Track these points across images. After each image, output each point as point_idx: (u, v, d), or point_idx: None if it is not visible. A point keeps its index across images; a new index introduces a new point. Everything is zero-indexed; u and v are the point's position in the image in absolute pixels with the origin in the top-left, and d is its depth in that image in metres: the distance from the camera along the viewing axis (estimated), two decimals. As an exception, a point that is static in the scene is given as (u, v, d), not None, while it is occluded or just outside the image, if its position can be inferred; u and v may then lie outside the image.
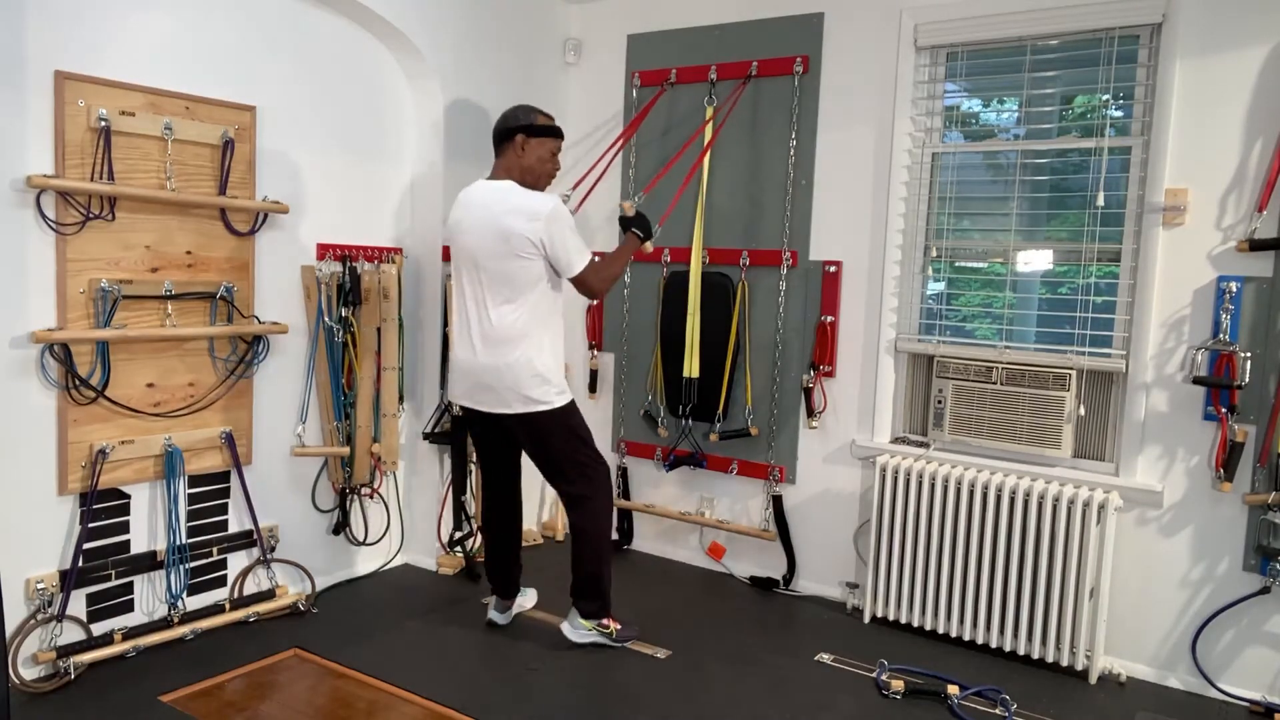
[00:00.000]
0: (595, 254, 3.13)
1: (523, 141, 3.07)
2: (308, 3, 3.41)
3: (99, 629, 2.92)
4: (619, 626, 3.22)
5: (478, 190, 3.10)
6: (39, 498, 2.78)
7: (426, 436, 3.91)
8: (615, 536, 4.30)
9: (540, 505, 4.48)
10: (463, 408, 3.25)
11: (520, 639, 3.30)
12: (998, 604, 3.26)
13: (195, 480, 3.18)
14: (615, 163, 4.32)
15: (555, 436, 3.11)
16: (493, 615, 3.39)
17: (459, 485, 3.91)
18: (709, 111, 3.98)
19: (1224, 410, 2.98)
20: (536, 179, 3.12)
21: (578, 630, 3.20)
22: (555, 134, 3.16)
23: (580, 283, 3.05)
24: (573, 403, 3.14)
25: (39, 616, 2.77)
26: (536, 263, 2.98)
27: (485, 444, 3.32)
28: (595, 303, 4.32)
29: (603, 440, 4.35)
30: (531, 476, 3.45)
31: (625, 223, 3.28)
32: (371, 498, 3.77)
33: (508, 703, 2.83)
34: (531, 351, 3.01)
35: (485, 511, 3.42)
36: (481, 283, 3.02)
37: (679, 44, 4.11)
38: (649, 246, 3.29)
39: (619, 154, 4.17)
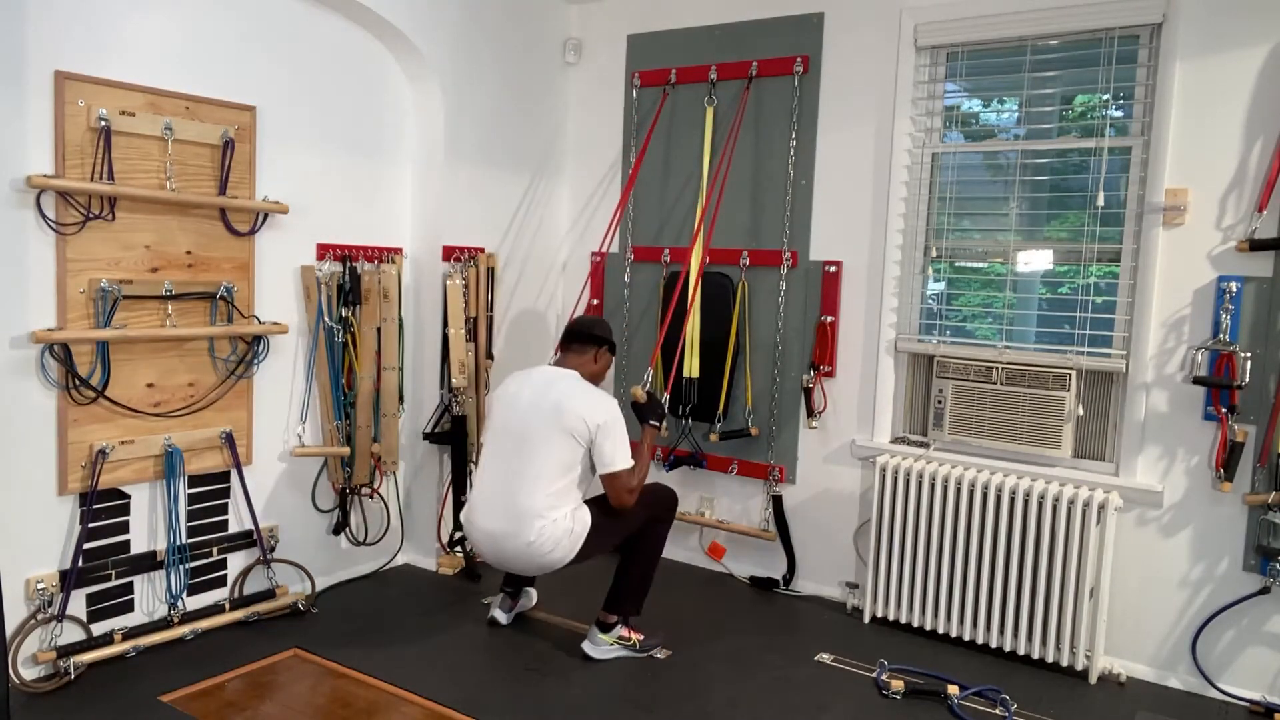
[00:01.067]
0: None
1: (603, 354, 3.27)
2: (308, 3, 3.40)
3: (99, 629, 2.92)
4: (641, 637, 3.21)
5: (543, 372, 3.19)
6: (39, 498, 2.78)
7: (426, 436, 3.91)
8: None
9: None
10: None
11: (520, 639, 3.30)
12: (998, 604, 3.26)
13: (195, 480, 3.18)
14: (618, 166, 4.33)
15: (596, 534, 3.08)
16: (495, 614, 3.39)
17: (459, 485, 3.91)
18: (709, 112, 3.98)
19: (1224, 410, 2.98)
20: (597, 380, 3.25)
21: (599, 647, 3.16)
22: (615, 352, 3.42)
23: (612, 480, 3.05)
24: (586, 508, 3.09)
25: (39, 616, 2.77)
26: (580, 449, 3.01)
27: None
28: (595, 302, 4.33)
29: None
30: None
31: (639, 411, 3.27)
32: (371, 498, 3.77)
33: (508, 703, 2.83)
34: (563, 520, 3.00)
35: None
36: (524, 458, 3.02)
37: (679, 44, 4.11)
38: (664, 428, 3.34)
39: (627, 194, 4.17)
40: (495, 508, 3.05)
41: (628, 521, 3.13)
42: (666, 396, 3.62)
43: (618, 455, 3.03)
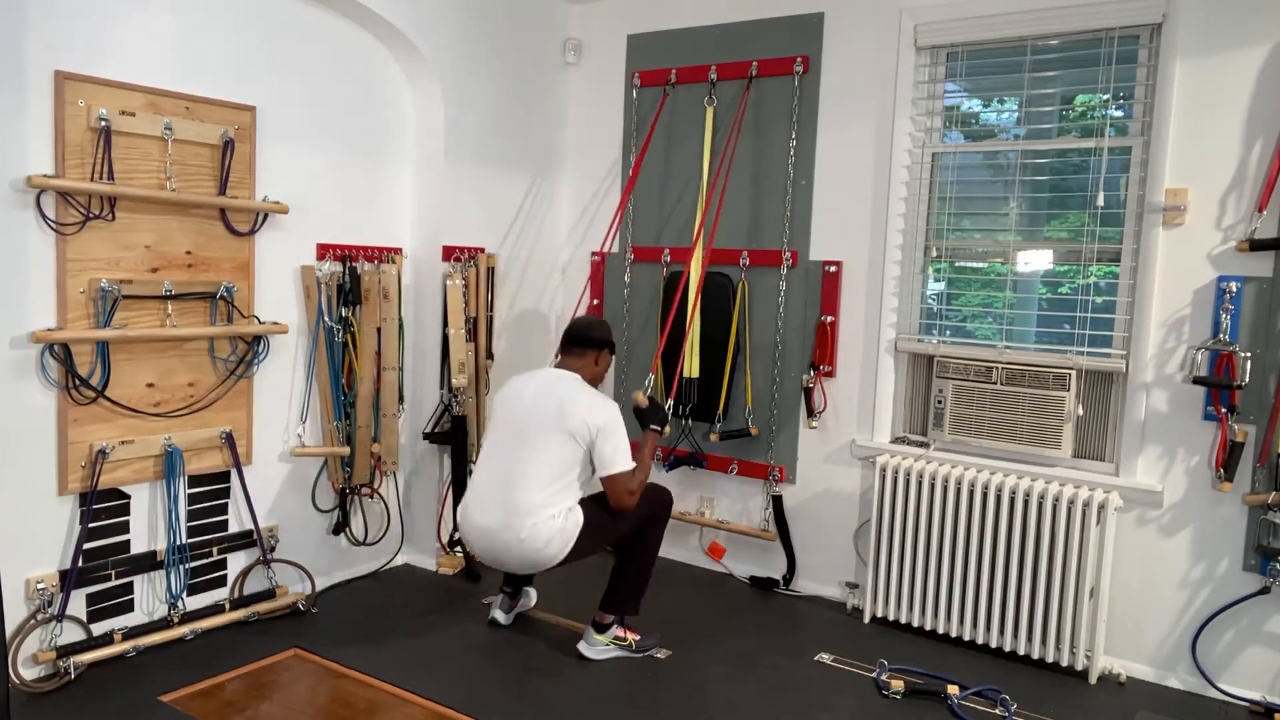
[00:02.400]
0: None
1: (603, 356, 3.30)
2: (308, 3, 3.40)
3: (99, 629, 2.92)
4: (638, 637, 3.20)
5: (545, 373, 3.22)
6: (39, 498, 2.78)
7: (426, 436, 3.91)
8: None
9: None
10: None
11: (520, 639, 3.30)
12: (998, 604, 3.26)
13: (195, 480, 3.18)
14: (618, 167, 4.33)
15: (589, 531, 3.07)
16: (496, 614, 3.39)
17: (459, 485, 3.91)
18: (709, 112, 3.98)
19: (1224, 410, 2.98)
20: (597, 381, 3.30)
21: (595, 648, 3.15)
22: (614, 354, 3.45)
23: (612, 483, 3.05)
24: (580, 508, 3.08)
25: (39, 616, 2.77)
26: (580, 450, 3.03)
27: None
28: (595, 302, 4.33)
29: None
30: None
31: (641, 416, 3.28)
32: (371, 498, 3.77)
33: (508, 703, 2.83)
34: (559, 518, 3.00)
35: None
36: (525, 454, 3.03)
37: (679, 44, 4.11)
38: (667, 431, 3.36)
39: (627, 195, 4.17)
40: (491, 503, 3.06)
41: (622, 522, 3.14)
42: (670, 403, 3.62)
43: (618, 457, 3.03)
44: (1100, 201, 3.20)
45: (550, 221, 4.45)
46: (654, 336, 4.18)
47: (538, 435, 3.04)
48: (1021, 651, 3.23)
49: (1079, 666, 3.15)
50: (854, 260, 3.72)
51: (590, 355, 3.25)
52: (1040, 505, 3.17)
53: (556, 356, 3.32)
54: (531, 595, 3.54)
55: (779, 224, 3.87)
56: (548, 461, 3.01)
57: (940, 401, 3.51)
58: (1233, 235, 2.99)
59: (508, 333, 4.23)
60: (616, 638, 3.17)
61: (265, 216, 3.29)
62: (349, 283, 3.49)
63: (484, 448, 3.21)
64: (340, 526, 3.67)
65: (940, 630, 3.39)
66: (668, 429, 3.37)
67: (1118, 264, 3.25)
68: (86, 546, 2.88)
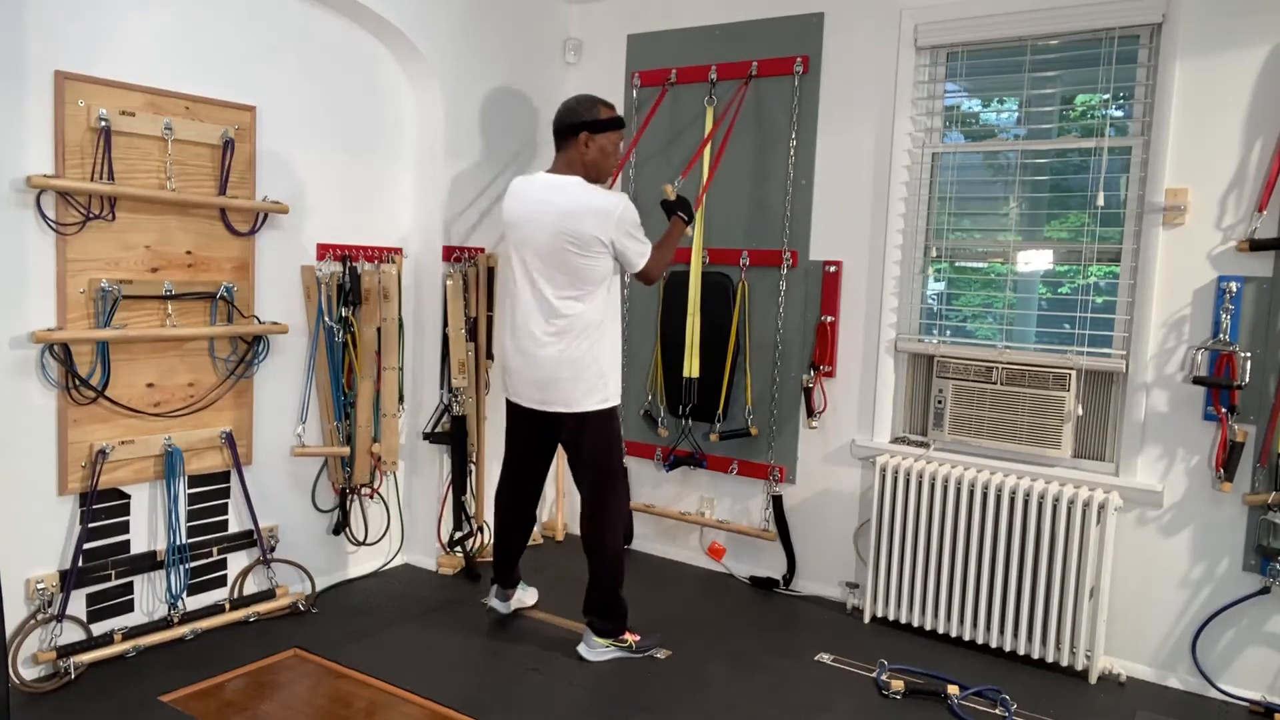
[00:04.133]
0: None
1: (586, 139, 3.01)
2: (308, 2, 3.40)
3: (99, 629, 2.92)
4: (638, 638, 3.19)
5: (538, 184, 3.03)
6: (39, 498, 2.78)
7: (426, 436, 3.91)
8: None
9: (540, 506, 4.46)
10: (509, 401, 3.22)
11: (520, 639, 3.30)
12: (998, 604, 3.26)
13: (195, 480, 3.18)
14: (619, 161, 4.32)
15: (601, 436, 3.07)
16: (493, 603, 3.37)
17: (459, 485, 3.91)
18: (710, 112, 3.98)
19: (1224, 410, 2.98)
20: (600, 174, 3.08)
21: (595, 650, 3.14)
22: (618, 125, 3.09)
23: (643, 274, 3.07)
24: (619, 406, 3.12)
25: (39, 616, 2.77)
26: (606, 260, 2.95)
27: (524, 439, 3.25)
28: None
29: (603, 440, 4.36)
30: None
31: (668, 207, 3.26)
32: (371, 498, 3.77)
33: (508, 703, 2.83)
34: (598, 348, 2.98)
35: (505, 502, 3.36)
36: (546, 278, 2.95)
37: (679, 44, 4.11)
38: (690, 230, 3.29)
39: (628, 154, 4.16)
40: (534, 331, 2.99)
41: (607, 466, 3.10)
42: (697, 210, 3.42)
43: (639, 256, 2.98)
44: (1100, 201, 3.20)
45: (550, 221, 4.44)
46: (654, 337, 4.18)
47: (558, 262, 2.91)
48: (1021, 651, 3.23)
49: (1079, 666, 3.15)
50: (854, 260, 3.72)
51: (573, 145, 3.01)
52: (1040, 505, 3.17)
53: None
54: (532, 594, 3.54)
55: (779, 224, 3.87)
56: (579, 282, 2.92)
57: (940, 401, 3.51)
58: (1233, 235, 2.99)
59: (508, 333, 4.23)
60: (618, 640, 3.17)
61: (265, 216, 3.29)
62: (349, 283, 3.49)
63: (511, 281, 3.08)
64: (340, 526, 3.67)
65: (940, 630, 3.39)
66: (690, 229, 3.27)
67: (1118, 264, 3.25)
68: (86, 546, 2.88)
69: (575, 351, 2.96)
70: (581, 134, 3.01)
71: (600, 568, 3.13)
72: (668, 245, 3.17)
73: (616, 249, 2.95)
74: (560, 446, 3.26)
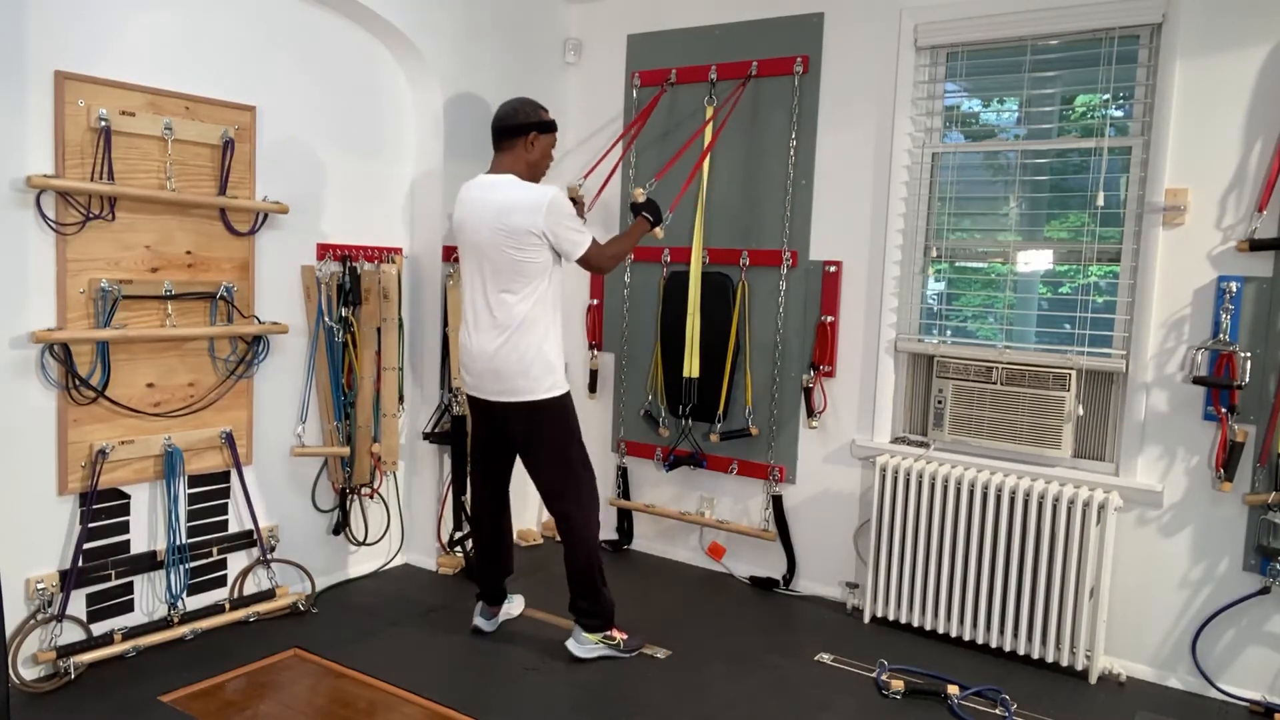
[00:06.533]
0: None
1: (534, 138, 3.10)
2: (308, 2, 3.40)
3: (99, 629, 2.92)
4: (625, 636, 3.19)
5: (477, 186, 3.10)
6: (39, 498, 2.78)
7: (426, 436, 3.91)
8: (615, 537, 4.31)
9: (540, 506, 4.47)
10: (469, 396, 3.24)
11: (519, 640, 3.30)
12: (998, 604, 3.26)
13: (195, 480, 3.18)
14: (617, 160, 4.32)
15: (559, 423, 3.09)
16: (478, 622, 3.33)
17: (459, 485, 3.91)
18: (709, 111, 3.98)
19: (1224, 410, 2.98)
20: (539, 173, 3.16)
21: (584, 646, 3.14)
22: (555, 128, 3.20)
23: (585, 262, 3.09)
24: (570, 394, 3.14)
25: (39, 616, 2.77)
26: (544, 253, 2.99)
27: (483, 441, 3.27)
28: (594, 302, 4.33)
29: (603, 440, 4.35)
30: (524, 478, 3.42)
31: (635, 208, 3.32)
32: (371, 498, 3.77)
33: (508, 703, 2.83)
34: (539, 339, 3.02)
35: (477, 515, 3.37)
36: (490, 275, 3.01)
37: (679, 44, 4.11)
38: (659, 232, 3.32)
39: (626, 150, 4.16)
40: (481, 327, 3.03)
41: (564, 459, 3.09)
42: (669, 215, 3.46)
43: (575, 244, 3.01)
44: (1100, 201, 3.20)
45: (550, 221, 4.44)
46: (652, 337, 4.18)
47: (498, 260, 2.96)
48: (1021, 651, 3.23)
49: (1079, 666, 3.15)
50: (854, 260, 3.72)
51: (519, 145, 3.07)
52: (1040, 505, 3.17)
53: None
54: (518, 603, 3.50)
55: (779, 224, 3.87)
56: (519, 277, 2.96)
57: (940, 401, 3.51)
58: (1233, 235, 2.99)
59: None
60: (605, 636, 3.17)
61: (265, 216, 3.29)
62: (349, 283, 3.49)
63: (463, 282, 3.14)
64: (340, 526, 3.67)
65: (940, 630, 3.39)
66: (659, 231, 3.31)
67: (1118, 264, 3.25)
68: (86, 546, 2.88)
69: (521, 346, 2.99)
70: (530, 134, 3.09)
71: (575, 562, 3.12)
72: (626, 240, 3.25)
73: (551, 240, 2.99)
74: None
